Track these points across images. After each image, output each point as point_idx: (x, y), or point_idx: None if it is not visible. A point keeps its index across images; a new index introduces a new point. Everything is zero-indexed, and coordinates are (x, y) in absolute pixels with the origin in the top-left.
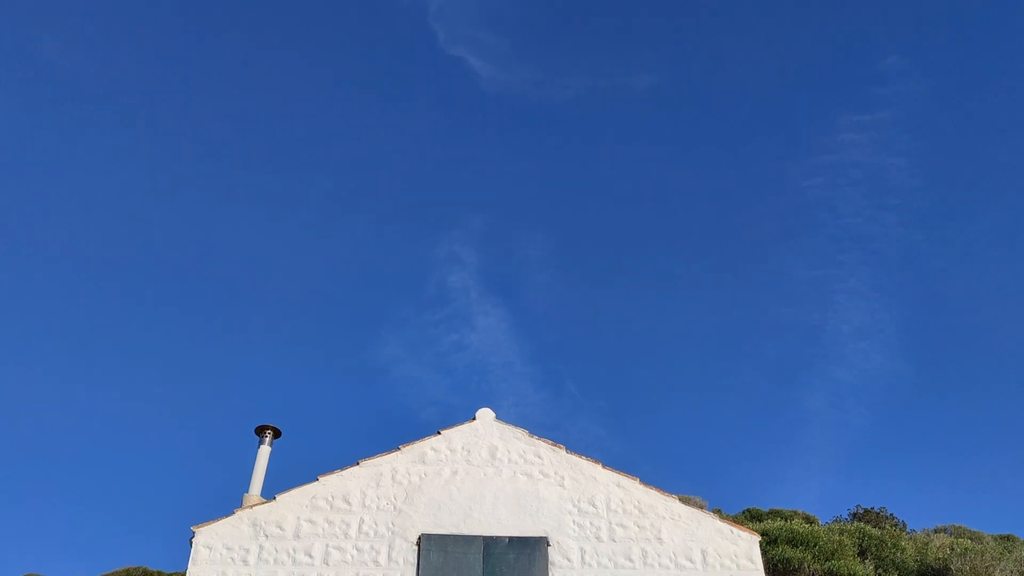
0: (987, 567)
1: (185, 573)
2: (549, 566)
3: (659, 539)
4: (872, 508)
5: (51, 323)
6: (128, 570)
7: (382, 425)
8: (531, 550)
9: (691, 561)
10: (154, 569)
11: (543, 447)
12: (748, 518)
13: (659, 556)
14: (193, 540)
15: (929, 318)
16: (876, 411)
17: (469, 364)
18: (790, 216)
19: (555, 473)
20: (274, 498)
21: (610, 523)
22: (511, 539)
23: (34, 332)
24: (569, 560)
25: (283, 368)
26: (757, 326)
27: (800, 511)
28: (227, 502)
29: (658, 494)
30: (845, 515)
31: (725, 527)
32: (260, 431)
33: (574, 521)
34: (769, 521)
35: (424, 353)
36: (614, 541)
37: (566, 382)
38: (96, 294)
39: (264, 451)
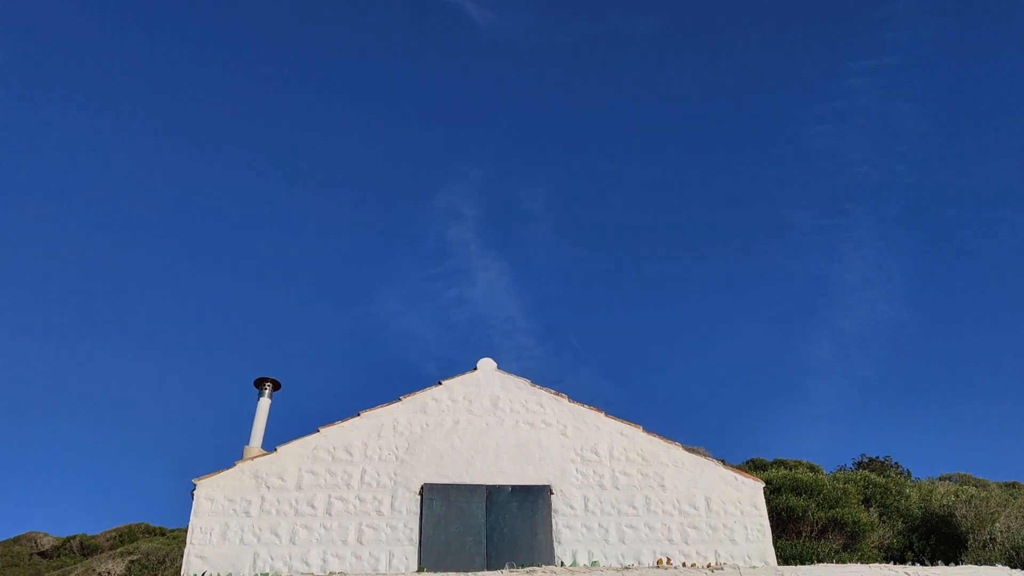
0: (992, 513)
1: (186, 529)
2: (552, 514)
3: (662, 486)
4: (877, 457)
5: (49, 284)
6: (130, 527)
7: (382, 378)
8: (534, 498)
9: (695, 508)
10: (156, 525)
11: (545, 396)
12: (752, 468)
13: (662, 503)
14: (194, 492)
15: (936, 267)
16: (881, 361)
17: (469, 318)
18: (795, 164)
19: (557, 422)
20: (275, 450)
21: (613, 471)
22: (514, 488)
23: (31, 296)
24: (572, 508)
25: (281, 321)
26: (761, 276)
27: (804, 461)
28: (228, 455)
29: (661, 442)
30: (850, 464)
31: (729, 474)
32: (259, 383)
33: (577, 469)
34: (773, 470)
35: (424, 307)
36: (617, 488)
37: (568, 335)
38: (93, 253)
39: (264, 403)
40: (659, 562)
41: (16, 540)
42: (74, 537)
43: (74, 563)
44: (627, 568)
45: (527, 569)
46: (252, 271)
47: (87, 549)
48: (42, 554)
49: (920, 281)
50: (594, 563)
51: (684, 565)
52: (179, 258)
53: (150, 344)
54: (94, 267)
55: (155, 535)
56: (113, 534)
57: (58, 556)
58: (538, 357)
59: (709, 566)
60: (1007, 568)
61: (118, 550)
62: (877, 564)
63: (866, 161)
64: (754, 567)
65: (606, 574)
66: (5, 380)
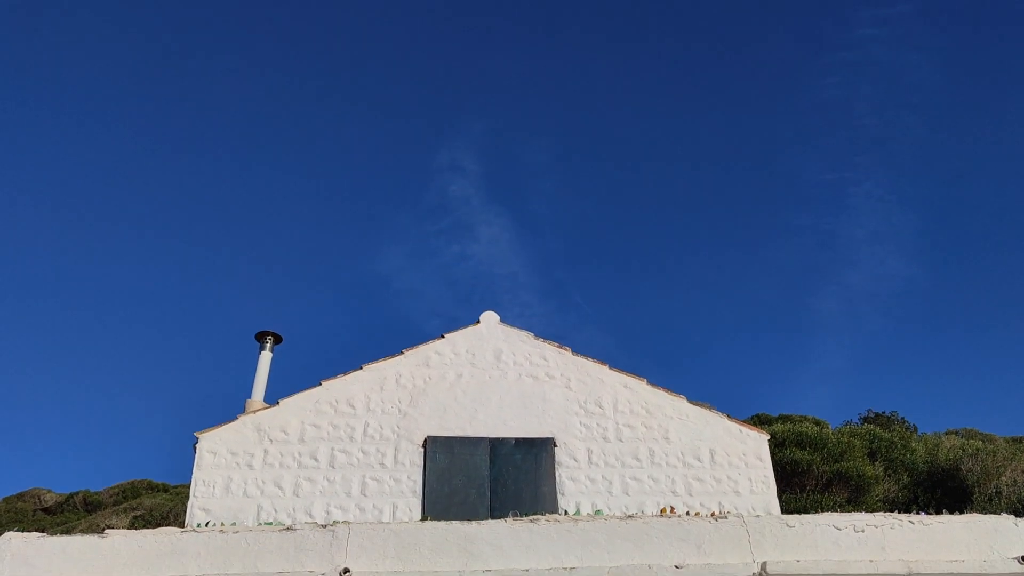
0: (998, 467)
1: (189, 484)
2: (556, 466)
3: (667, 439)
4: (883, 412)
5: (44, 239)
6: (133, 483)
7: (384, 334)
8: (538, 451)
9: (699, 460)
10: (159, 481)
11: (549, 349)
12: (756, 423)
13: (667, 455)
14: (197, 446)
15: (948, 221)
16: (889, 317)
17: (472, 275)
18: (804, 117)
19: (561, 375)
20: (277, 403)
21: (617, 423)
22: (517, 440)
23: (28, 256)
24: (576, 460)
25: (281, 277)
26: (768, 231)
27: (809, 416)
28: (229, 409)
29: (666, 394)
30: (855, 420)
31: (733, 426)
32: (260, 337)
33: (581, 422)
34: (778, 425)
35: (425, 264)
36: (621, 441)
37: (572, 292)
38: (93, 198)
39: (265, 357)
40: (663, 511)
41: (20, 496)
42: (77, 493)
43: (78, 519)
44: (631, 517)
45: (531, 518)
46: (251, 225)
47: (90, 505)
48: (45, 510)
49: (931, 235)
50: (598, 512)
51: (688, 514)
52: (178, 211)
53: (150, 297)
54: (87, 220)
55: (158, 491)
56: (116, 490)
57: (61, 512)
58: (542, 314)
59: (713, 515)
60: (1013, 517)
61: (121, 506)
62: (881, 513)
63: (876, 113)
64: (758, 516)
65: (609, 523)
66: (5, 339)
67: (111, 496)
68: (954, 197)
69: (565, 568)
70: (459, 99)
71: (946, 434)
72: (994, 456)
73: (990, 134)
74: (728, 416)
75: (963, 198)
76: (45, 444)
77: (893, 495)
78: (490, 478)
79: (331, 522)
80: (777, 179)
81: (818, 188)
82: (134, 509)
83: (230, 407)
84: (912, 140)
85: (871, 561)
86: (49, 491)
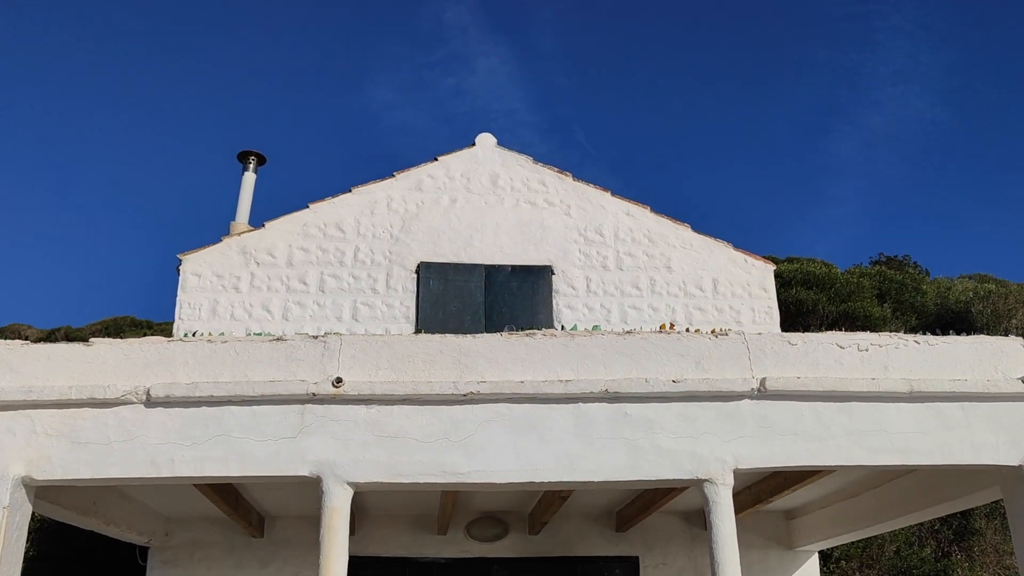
0: (1009, 310)
1: (173, 323)
2: (553, 294)
3: (668, 268)
4: (895, 256)
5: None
6: (116, 319)
7: (373, 168)
8: (535, 278)
9: (701, 289)
10: (142, 319)
11: (548, 174)
12: None
13: (668, 284)
14: (180, 268)
15: (979, 61)
16: (910, 160)
17: (468, 111)
18: None
19: (561, 202)
20: (263, 225)
21: (617, 252)
22: (514, 267)
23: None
24: (574, 288)
25: (263, 105)
26: (786, 67)
27: (819, 259)
28: (213, 235)
29: (669, 223)
30: (866, 263)
31: (738, 256)
32: (243, 157)
33: (580, 250)
34: (785, 265)
35: (419, 99)
36: (621, 270)
37: (574, 130)
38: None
39: (249, 178)
40: (661, 327)
41: (0, 332)
42: (59, 329)
43: None
44: (629, 333)
45: (526, 332)
46: (232, 39)
47: (73, 342)
48: None
49: (960, 75)
50: (595, 328)
51: (688, 331)
52: (153, 23)
53: (128, 117)
54: (60, 34)
55: (142, 327)
56: (99, 326)
57: None
58: (542, 154)
59: (713, 331)
60: (1020, 339)
61: None
62: (887, 333)
63: None
64: (759, 333)
65: (607, 338)
66: None
67: (94, 332)
68: (988, 35)
69: (561, 380)
70: None
71: (959, 278)
72: (1005, 299)
73: None
74: (733, 246)
75: (997, 36)
76: (25, 279)
77: None
78: (485, 305)
79: (323, 333)
80: (796, 10)
81: (841, 21)
82: None
83: (214, 232)
84: None
85: (873, 379)
86: (30, 327)
